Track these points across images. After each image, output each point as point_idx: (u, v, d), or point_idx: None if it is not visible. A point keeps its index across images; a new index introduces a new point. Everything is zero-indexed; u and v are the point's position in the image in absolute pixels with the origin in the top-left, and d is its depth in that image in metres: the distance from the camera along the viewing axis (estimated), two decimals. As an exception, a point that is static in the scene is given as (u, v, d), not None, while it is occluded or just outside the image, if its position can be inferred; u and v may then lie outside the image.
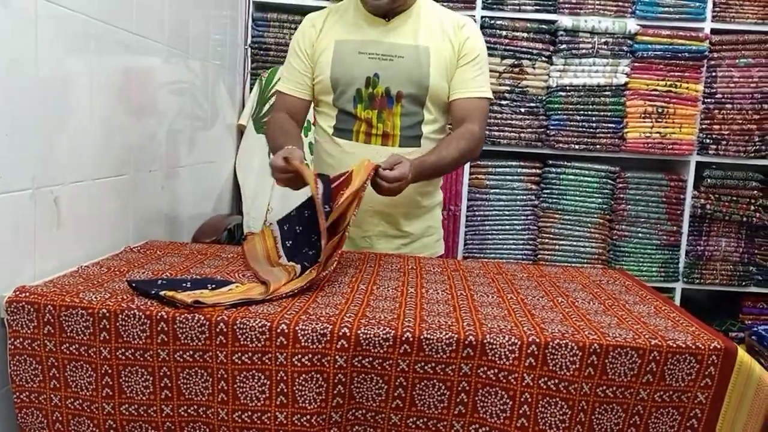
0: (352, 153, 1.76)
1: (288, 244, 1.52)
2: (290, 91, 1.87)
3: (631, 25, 2.91)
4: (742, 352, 1.12)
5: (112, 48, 1.63)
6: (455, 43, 1.78)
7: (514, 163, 3.06)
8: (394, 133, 1.78)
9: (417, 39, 1.77)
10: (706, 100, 2.96)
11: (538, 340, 1.09)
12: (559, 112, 2.97)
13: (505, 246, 3.09)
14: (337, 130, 1.82)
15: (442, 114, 1.85)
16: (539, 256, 3.07)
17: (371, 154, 1.71)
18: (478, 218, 3.08)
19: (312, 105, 1.91)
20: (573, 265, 2.96)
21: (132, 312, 1.13)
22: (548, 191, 3.05)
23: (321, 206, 1.37)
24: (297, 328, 1.10)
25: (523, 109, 2.99)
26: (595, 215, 3.05)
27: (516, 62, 2.95)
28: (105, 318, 1.13)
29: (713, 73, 2.94)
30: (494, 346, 1.10)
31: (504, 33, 2.95)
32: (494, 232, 3.09)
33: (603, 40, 2.92)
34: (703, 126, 2.98)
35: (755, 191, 2.97)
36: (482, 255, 3.06)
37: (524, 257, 3.06)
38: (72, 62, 1.44)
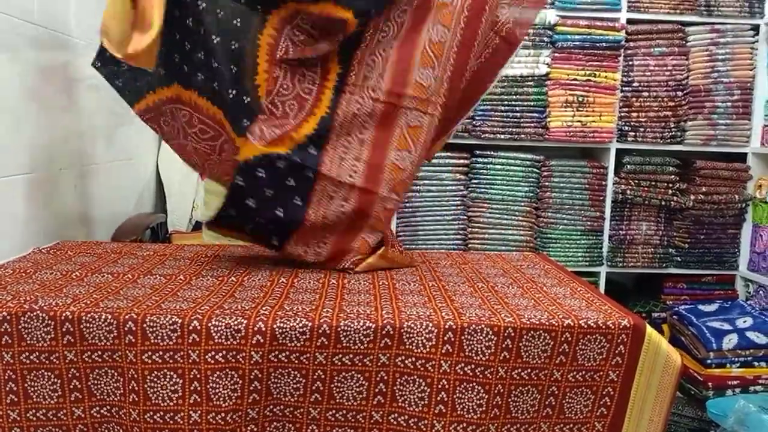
0: None
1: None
2: None
3: (551, 15, 2.96)
4: (650, 329, 1.15)
5: (14, 42, 1.55)
6: None
7: (443, 154, 3.07)
8: None
9: None
10: (624, 89, 3.04)
11: (454, 326, 1.10)
12: (485, 103, 3.00)
13: (436, 236, 3.10)
14: None
15: None
16: (470, 245, 3.10)
17: None
18: (409, 210, 3.08)
19: None
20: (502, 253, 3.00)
21: (35, 313, 1.08)
22: (476, 181, 3.08)
23: None
24: (210, 324, 1.07)
25: (449, 100, 3.01)
26: (522, 203, 3.09)
27: (440, 53, 2.96)
28: (6, 321, 1.08)
29: (630, 62, 3.03)
30: (411, 335, 1.10)
31: (428, 24, 2.95)
32: (425, 222, 3.10)
33: (524, 31, 2.96)
34: (622, 114, 3.05)
35: (672, 176, 3.07)
36: (414, 246, 3.06)
37: (455, 247, 3.08)
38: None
